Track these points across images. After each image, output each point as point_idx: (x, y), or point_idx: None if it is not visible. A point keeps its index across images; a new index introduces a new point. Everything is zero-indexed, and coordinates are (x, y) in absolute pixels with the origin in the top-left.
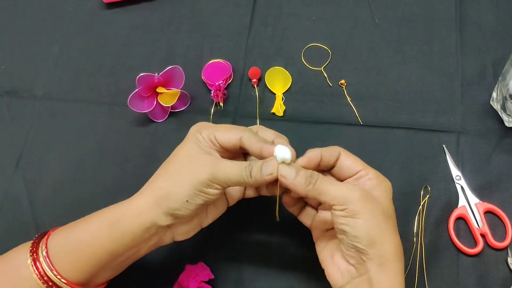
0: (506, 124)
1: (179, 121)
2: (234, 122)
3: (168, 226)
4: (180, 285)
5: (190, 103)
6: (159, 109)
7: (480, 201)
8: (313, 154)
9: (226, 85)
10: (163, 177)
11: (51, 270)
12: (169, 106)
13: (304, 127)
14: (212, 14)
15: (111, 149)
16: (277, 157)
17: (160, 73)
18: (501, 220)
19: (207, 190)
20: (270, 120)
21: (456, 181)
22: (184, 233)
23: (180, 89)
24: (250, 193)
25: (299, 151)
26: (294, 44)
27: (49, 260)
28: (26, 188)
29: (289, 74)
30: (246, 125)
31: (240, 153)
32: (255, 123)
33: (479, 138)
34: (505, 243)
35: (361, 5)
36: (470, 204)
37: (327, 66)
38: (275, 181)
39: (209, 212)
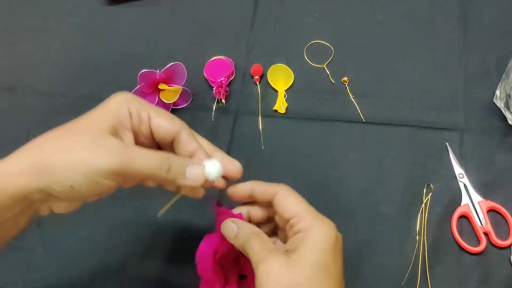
0: (510, 122)
1: (181, 118)
2: (236, 119)
3: (44, 200)
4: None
5: (192, 100)
6: (161, 106)
7: (483, 199)
8: (242, 188)
9: (228, 82)
10: (51, 144)
11: None
12: (170, 103)
13: (306, 124)
14: (214, 10)
15: None
16: (206, 169)
17: (162, 70)
18: (505, 219)
19: (103, 181)
20: (272, 117)
21: (459, 179)
22: (62, 208)
23: (182, 86)
24: (149, 183)
25: (301, 149)
26: (296, 41)
27: None
28: None
29: (291, 71)
30: (248, 123)
31: (156, 145)
32: (257, 120)
33: (483, 136)
34: (509, 241)
35: (364, 1)
36: (473, 202)
37: (330, 63)
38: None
39: None
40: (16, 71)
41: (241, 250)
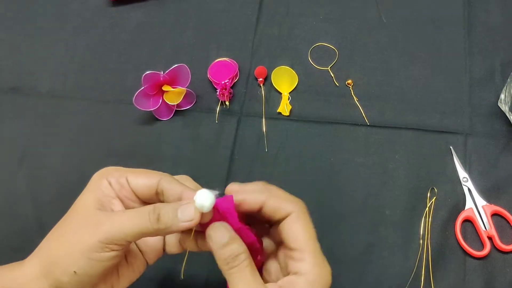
0: None
1: (185, 120)
2: (240, 121)
3: None
4: None
5: (195, 102)
6: (165, 108)
7: (488, 204)
8: (252, 200)
9: (232, 84)
10: (52, 240)
11: None
12: (174, 105)
13: (310, 127)
14: (219, 12)
15: (116, 147)
16: (196, 202)
17: (166, 71)
18: (509, 223)
19: (100, 255)
20: (276, 120)
21: (463, 183)
22: None
23: (186, 87)
24: (173, 249)
25: (305, 152)
26: (301, 43)
27: None
28: (29, 186)
29: (295, 73)
30: (252, 125)
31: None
32: (260, 123)
33: (487, 139)
34: None
35: (368, 4)
36: (477, 206)
37: (334, 66)
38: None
39: (121, 274)
40: (19, 71)
41: (219, 263)
